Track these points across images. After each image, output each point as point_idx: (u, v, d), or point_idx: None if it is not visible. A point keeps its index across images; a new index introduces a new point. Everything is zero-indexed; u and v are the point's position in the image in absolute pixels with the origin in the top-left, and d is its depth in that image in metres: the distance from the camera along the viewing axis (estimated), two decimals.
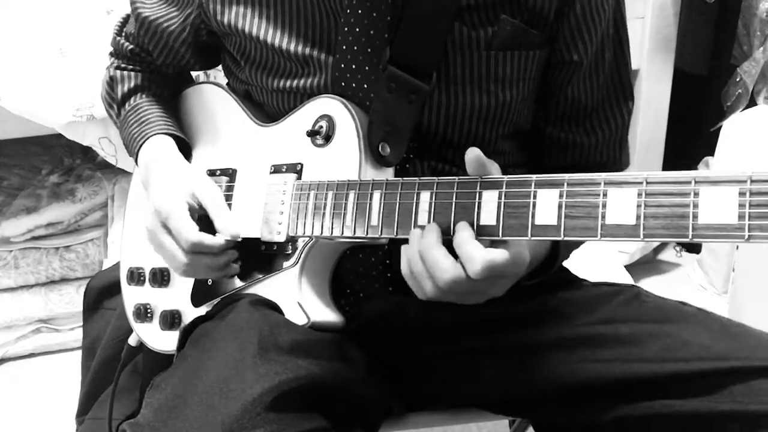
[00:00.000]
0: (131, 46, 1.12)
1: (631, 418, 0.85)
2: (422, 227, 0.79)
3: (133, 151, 1.07)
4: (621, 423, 0.86)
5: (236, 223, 0.95)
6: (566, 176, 0.71)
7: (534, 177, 0.73)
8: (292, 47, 0.96)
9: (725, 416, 0.80)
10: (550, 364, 0.91)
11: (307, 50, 0.96)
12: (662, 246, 2.49)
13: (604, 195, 0.68)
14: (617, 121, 1.01)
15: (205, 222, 0.95)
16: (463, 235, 0.75)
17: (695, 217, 0.63)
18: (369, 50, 0.92)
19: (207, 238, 0.92)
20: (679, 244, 2.50)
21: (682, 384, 0.83)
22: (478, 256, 0.73)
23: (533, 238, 0.72)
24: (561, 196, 0.71)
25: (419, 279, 0.79)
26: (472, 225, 0.76)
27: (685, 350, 0.84)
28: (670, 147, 2.46)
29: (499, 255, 0.73)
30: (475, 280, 0.74)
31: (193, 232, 0.92)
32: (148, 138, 1.05)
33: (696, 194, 0.63)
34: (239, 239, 0.94)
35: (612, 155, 1.03)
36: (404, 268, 0.80)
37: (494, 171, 0.77)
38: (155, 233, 0.95)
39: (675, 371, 0.83)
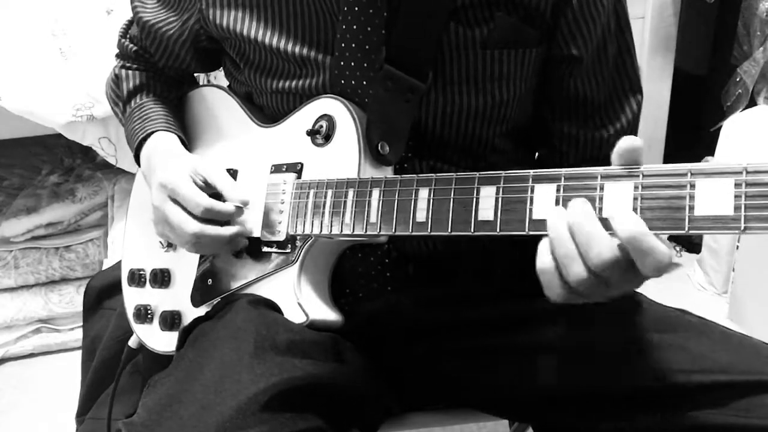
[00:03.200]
0: (135, 48, 1.13)
1: (629, 427, 0.85)
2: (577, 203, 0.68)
3: (133, 145, 1.08)
4: (619, 431, 0.86)
5: (236, 180, 0.95)
6: (563, 171, 0.71)
7: (531, 172, 0.73)
8: (290, 48, 0.96)
9: (725, 429, 0.80)
10: (546, 368, 0.91)
11: (305, 51, 0.96)
12: None
13: (601, 189, 0.68)
14: (627, 116, 1.01)
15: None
16: (625, 206, 0.65)
17: (691, 209, 0.63)
18: (366, 47, 0.92)
19: (219, 204, 0.93)
20: (679, 243, 2.50)
21: (682, 396, 0.82)
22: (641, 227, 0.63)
23: (531, 232, 0.72)
24: (558, 190, 0.71)
25: (565, 262, 0.66)
26: (469, 222, 0.75)
27: (686, 362, 0.84)
28: (670, 147, 2.46)
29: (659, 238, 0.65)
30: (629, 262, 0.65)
31: (204, 198, 0.93)
32: (149, 133, 1.06)
33: (692, 186, 0.64)
34: (248, 206, 0.95)
35: None
36: (543, 258, 0.68)
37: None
38: (162, 207, 0.95)
39: (675, 383, 0.83)
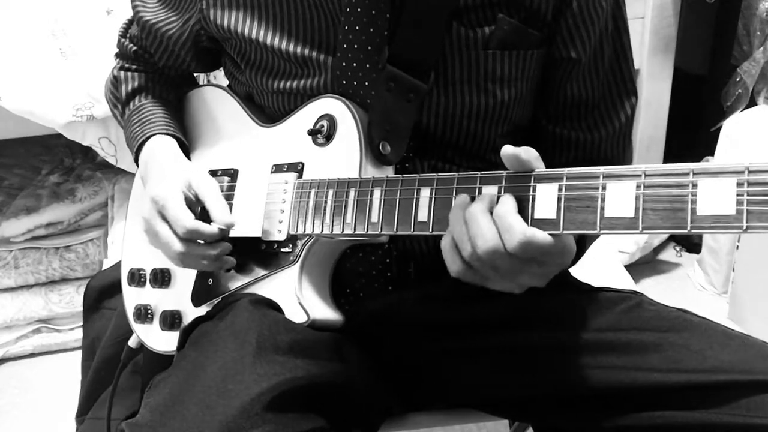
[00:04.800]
0: (135, 48, 1.13)
1: (631, 427, 0.85)
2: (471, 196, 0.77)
3: (132, 149, 1.08)
4: (621, 431, 0.86)
5: (231, 213, 0.96)
6: (565, 170, 0.71)
7: (533, 172, 0.73)
8: (291, 49, 0.96)
9: (727, 429, 0.80)
10: (548, 368, 0.91)
11: (306, 51, 0.96)
12: (662, 246, 2.49)
13: (603, 188, 0.68)
14: (620, 118, 1.01)
15: (201, 215, 0.95)
16: (507, 207, 0.72)
17: (693, 208, 0.63)
18: (369, 48, 0.92)
19: (202, 226, 0.92)
20: (679, 243, 2.50)
21: (685, 395, 0.83)
22: (517, 228, 0.70)
23: None
24: (560, 189, 0.71)
25: (459, 241, 0.75)
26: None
27: (688, 361, 0.84)
28: (670, 147, 2.46)
29: (541, 235, 0.70)
30: (511, 254, 0.72)
31: (189, 219, 0.92)
32: (148, 137, 1.05)
33: (694, 186, 0.64)
34: (233, 229, 0.94)
35: (615, 153, 1.03)
36: (447, 239, 0.77)
37: (534, 161, 0.74)
38: (151, 222, 0.95)
39: (677, 382, 0.83)
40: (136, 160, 1.08)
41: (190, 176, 0.98)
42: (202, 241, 0.93)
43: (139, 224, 1.13)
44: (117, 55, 1.17)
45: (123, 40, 1.15)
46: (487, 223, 0.73)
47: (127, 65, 1.15)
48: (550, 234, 0.71)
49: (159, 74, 1.15)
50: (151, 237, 0.98)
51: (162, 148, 1.04)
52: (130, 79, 1.13)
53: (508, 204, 0.73)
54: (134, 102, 1.12)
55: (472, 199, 0.76)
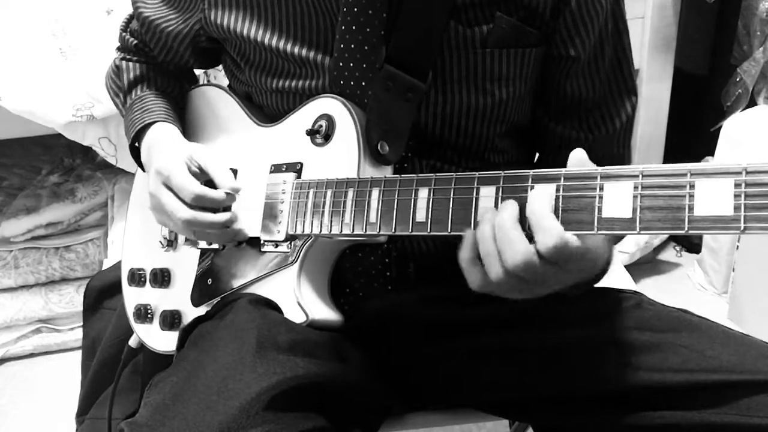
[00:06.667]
0: (135, 42, 1.14)
1: (631, 427, 0.85)
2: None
3: (130, 134, 1.08)
4: (622, 431, 0.86)
5: (235, 179, 0.96)
6: (562, 171, 0.71)
7: (531, 172, 0.73)
8: (289, 49, 0.97)
9: (728, 428, 0.80)
10: (548, 368, 0.91)
11: (305, 51, 0.96)
12: (662, 246, 2.49)
13: (601, 189, 0.68)
14: (621, 117, 1.01)
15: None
16: (544, 207, 0.70)
17: (691, 209, 0.63)
18: (366, 48, 0.92)
19: (209, 191, 0.94)
20: (679, 243, 2.50)
21: (684, 395, 0.83)
22: (554, 229, 0.68)
23: (530, 231, 0.72)
24: (558, 190, 0.70)
25: (487, 260, 0.73)
26: (469, 221, 0.75)
27: (688, 361, 0.84)
28: (670, 147, 2.46)
29: (573, 239, 0.69)
30: (543, 259, 0.70)
31: (195, 185, 0.94)
32: (147, 123, 1.06)
33: (692, 186, 0.64)
34: (239, 193, 0.95)
35: (617, 152, 1.03)
36: (466, 253, 0.75)
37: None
38: (156, 193, 0.96)
39: (677, 382, 0.83)
40: (132, 147, 1.09)
41: (191, 150, 0.99)
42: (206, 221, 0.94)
43: (139, 225, 1.13)
44: (118, 49, 1.18)
45: (124, 34, 1.16)
46: (518, 236, 0.70)
47: (128, 56, 1.16)
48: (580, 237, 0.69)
49: (160, 66, 1.15)
50: (158, 212, 0.98)
51: (164, 132, 1.05)
52: (132, 68, 1.14)
53: (545, 203, 0.70)
54: (136, 91, 1.13)
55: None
